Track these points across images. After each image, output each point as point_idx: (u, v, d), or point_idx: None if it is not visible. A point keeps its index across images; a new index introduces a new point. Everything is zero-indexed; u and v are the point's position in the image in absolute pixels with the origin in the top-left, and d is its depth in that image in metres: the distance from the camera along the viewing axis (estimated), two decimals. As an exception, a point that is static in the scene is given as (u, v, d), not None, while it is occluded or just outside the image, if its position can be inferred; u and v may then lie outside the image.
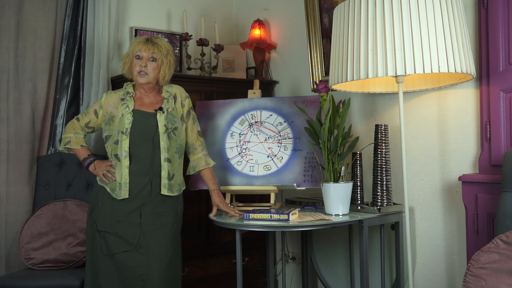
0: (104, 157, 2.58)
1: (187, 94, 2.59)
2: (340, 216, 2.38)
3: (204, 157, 2.58)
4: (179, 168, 2.49)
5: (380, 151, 2.50)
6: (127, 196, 2.37)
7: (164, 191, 2.40)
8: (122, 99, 2.46)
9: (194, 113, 2.61)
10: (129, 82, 2.55)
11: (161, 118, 2.43)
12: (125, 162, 2.37)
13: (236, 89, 3.39)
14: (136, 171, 2.39)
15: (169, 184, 2.42)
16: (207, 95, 3.31)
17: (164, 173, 2.40)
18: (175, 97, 2.53)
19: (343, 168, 2.41)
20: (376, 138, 2.51)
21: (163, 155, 2.40)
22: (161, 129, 2.41)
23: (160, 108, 2.46)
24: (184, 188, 2.53)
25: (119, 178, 2.39)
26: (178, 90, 2.56)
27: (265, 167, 2.74)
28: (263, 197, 3.27)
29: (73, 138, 2.53)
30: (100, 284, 2.38)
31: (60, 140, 3.07)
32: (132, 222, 2.38)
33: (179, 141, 2.48)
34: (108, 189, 2.42)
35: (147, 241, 2.38)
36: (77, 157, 2.57)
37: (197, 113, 2.93)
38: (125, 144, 2.37)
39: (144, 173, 2.40)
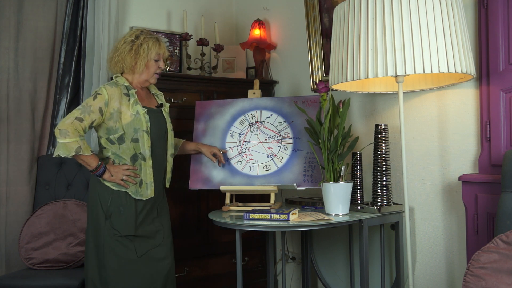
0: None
1: None
2: (340, 216, 2.38)
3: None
4: None
5: (380, 151, 2.50)
6: (153, 195, 2.43)
7: (167, 185, 2.57)
8: (126, 94, 2.38)
9: None
10: (119, 75, 2.45)
11: (166, 115, 2.54)
12: (149, 161, 2.39)
13: (236, 89, 3.39)
14: (155, 169, 2.44)
15: (170, 178, 2.57)
16: (207, 95, 3.31)
17: (169, 168, 2.55)
18: (163, 96, 2.64)
19: (343, 168, 2.41)
20: (376, 138, 2.51)
21: (170, 150, 2.54)
22: (169, 126, 2.53)
23: (161, 105, 2.54)
24: None
25: (144, 178, 2.39)
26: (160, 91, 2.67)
27: (265, 167, 2.74)
28: (263, 197, 3.27)
29: (82, 143, 2.27)
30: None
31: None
32: (151, 218, 2.45)
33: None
34: (130, 192, 2.37)
35: (162, 233, 2.49)
36: (84, 163, 2.32)
37: (197, 113, 2.93)
38: (148, 143, 2.38)
39: (160, 170, 2.49)
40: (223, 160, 2.72)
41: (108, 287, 2.35)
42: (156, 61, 2.45)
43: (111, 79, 3.15)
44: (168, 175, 2.55)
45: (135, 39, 2.42)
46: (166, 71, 2.68)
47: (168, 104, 2.60)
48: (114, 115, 2.34)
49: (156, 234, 2.46)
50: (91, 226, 2.40)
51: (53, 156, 2.29)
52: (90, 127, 2.33)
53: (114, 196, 2.37)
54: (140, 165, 2.38)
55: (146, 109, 2.40)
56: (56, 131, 2.26)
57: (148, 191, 2.40)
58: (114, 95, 2.34)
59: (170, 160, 2.54)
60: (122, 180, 2.35)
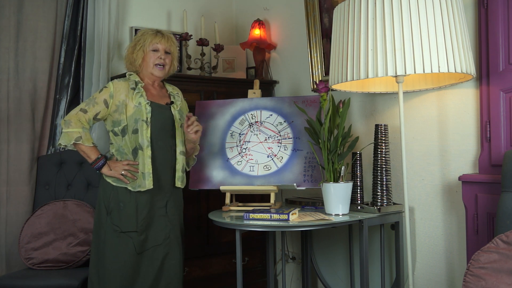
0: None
1: None
2: (340, 216, 2.38)
3: None
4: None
5: (380, 151, 2.50)
6: (152, 187, 2.36)
7: (178, 184, 2.47)
8: (133, 88, 2.41)
9: None
10: (132, 72, 2.51)
11: (175, 112, 2.48)
12: (147, 151, 2.36)
13: (236, 89, 3.39)
14: (158, 163, 2.40)
15: (182, 177, 2.49)
16: (207, 95, 3.31)
17: (179, 166, 2.46)
18: (179, 96, 2.60)
19: (343, 168, 2.41)
20: (376, 138, 2.51)
21: (179, 148, 2.47)
22: (177, 122, 2.47)
23: (172, 102, 2.51)
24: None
25: (141, 168, 2.36)
26: (179, 90, 2.63)
27: (265, 167, 2.74)
28: (263, 197, 3.27)
29: (83, 134, 2.33)
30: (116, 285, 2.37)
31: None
32: (156, 215, 2.42)
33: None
34: (130, 187, 2.37)
35: (169, 232, 2.45)
36: (85, 155, 2.37)
37: (197, 113, 2.93)
38: (146, 133, 2.36)
39: (165, 165, 2.43)
40: (188, 122, 2.40)
41: (105, 285, 2.35)
42: (154, 51, 2.45)
43: (111, 79, 3.19)
44: (179, 174, 2.45)
45: (138, 35, 2.51)
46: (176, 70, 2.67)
47: (180, 103, 2.53)
48: (119, 107, 2.38)
49: (160, 233, 2.42)
50: (96, 223, 2.44)
51: (57, 145, 2.42)
52: (96, 119, 2.38)
53: (114, 192, 2.39)
54: (138, 154, 2.37)
55: (149, 101, 2.40)
56: (62, 121, 2.38)
57: (145, 182, 2.35)
58: (121, 88, 2.40)
59: (180, 158, 2.46)
60: (122, 175, 2.35)
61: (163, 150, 2.43)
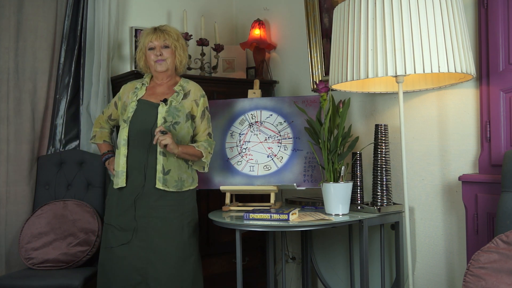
0: None
1: (204, 93, 2.57)
2: (340, 216, 2.38)
3: (201, 144, 2.47)
4: (177, 165, 2.41)
5: (380, 151, 2.50)
6: (124, 185, 2.38)
7: (159, 185, 2.36)
8: (136, 88, 2.52)
9: (209, 114, 2.59)
10: (149, 73, 2.59)
11: (162, 110, 2.41)
12: (123, 150, 2.40)
13: (236, 89, 3.39)
14: (133, 161, 2.40)
15: (164, 179, 2.36)
16: (207, 95, 3.27)
17: (159, 167, 2.36)
18: (187, 94, 2.51)
19: (343, 168, 2.41)
20: (376, 138, 2.51)
21: (159, 148, 2.36)
22: (160, 120, 2.39)
23: (165, 100, 2.43)
24: (191, 187, 2.48)
25: (117, 167, 2.42)
26: (193, 87, 2.54)
27: (265, 167, 2.74)
28: (263, 197, 3.27)
29: (98, 132, 2.66)
30: (104, 278, 2.43)
31: (60, 140, 3.11)
32: (130, 215, 2.39)
33: (179, 137, 2.41)
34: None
35: (145, 235, 2.36)
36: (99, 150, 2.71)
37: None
38: (124, 132, 2.40)
39: (140, 164, 2.39)
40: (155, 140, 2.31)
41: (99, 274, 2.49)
42: (151, 49, 2.48)
43: (111, 79, 3.19)
44: (159, 175, 2.35)
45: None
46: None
47: (174, 101, 2.43)
48: (122, 108, 2.53)
49: (132, 233, 2.36)
50: None
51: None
52: (111, 119, 2.64)
53: (110, 185, 2.54)
54: (117, 152, 2.46)
55: (137, 100, 2.45)
56: None
57: (118, 180, 2.40)
58: (126, 90, 2.56)
59: (160, 158, 2.36)
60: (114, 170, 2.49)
61: (139, 149, 2.39)
